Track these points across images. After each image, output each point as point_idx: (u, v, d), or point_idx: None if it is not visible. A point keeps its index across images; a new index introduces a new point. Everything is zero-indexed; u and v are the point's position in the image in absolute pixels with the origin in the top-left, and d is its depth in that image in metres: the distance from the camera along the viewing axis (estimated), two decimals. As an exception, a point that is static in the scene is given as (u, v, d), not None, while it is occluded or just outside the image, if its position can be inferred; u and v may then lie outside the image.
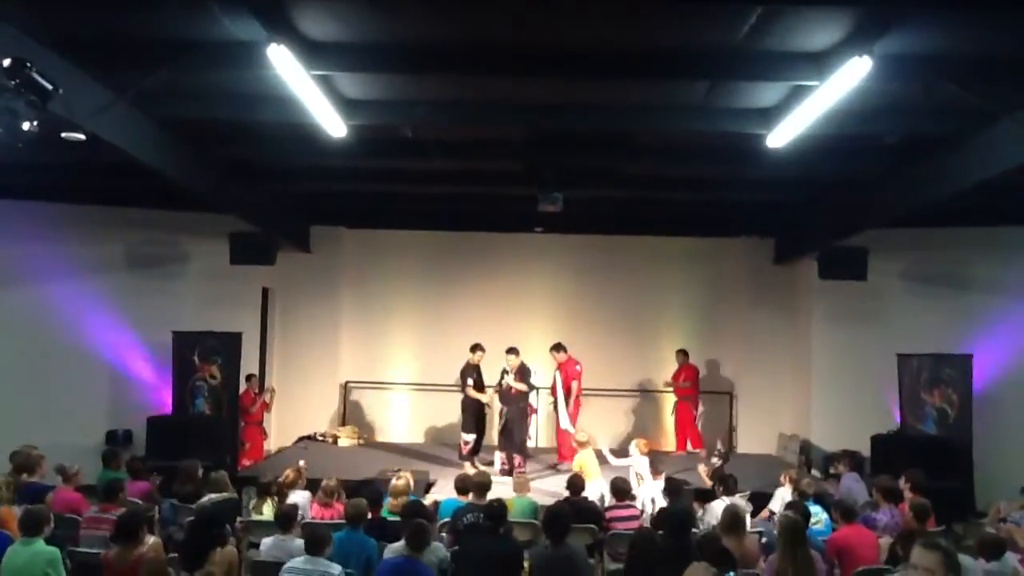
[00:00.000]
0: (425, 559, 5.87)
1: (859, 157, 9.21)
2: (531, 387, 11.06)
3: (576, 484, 7.64)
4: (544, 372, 11.89)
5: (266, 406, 12.40)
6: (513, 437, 10.81)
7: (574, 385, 11.49)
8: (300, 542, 5.93)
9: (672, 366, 13.07)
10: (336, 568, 5.56)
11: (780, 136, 7.92)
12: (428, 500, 8.29)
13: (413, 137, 9.09)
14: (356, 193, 12.26)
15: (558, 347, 11.68)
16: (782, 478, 8.28)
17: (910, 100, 7.40)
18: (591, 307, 13.69)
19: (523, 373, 10.90)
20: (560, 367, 11.62)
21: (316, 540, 5.65)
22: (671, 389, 13.03)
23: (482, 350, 11.19)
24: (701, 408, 13.09)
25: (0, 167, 9.64)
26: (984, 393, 10.86)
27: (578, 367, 11.55)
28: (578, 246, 13.82)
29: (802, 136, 7.85)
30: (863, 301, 12.21)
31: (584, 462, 9.19)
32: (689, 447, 12.61)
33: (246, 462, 11.41)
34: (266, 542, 6.32)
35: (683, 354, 12.91)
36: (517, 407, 10.87)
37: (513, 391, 10.79)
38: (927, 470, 8.34)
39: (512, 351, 10.93)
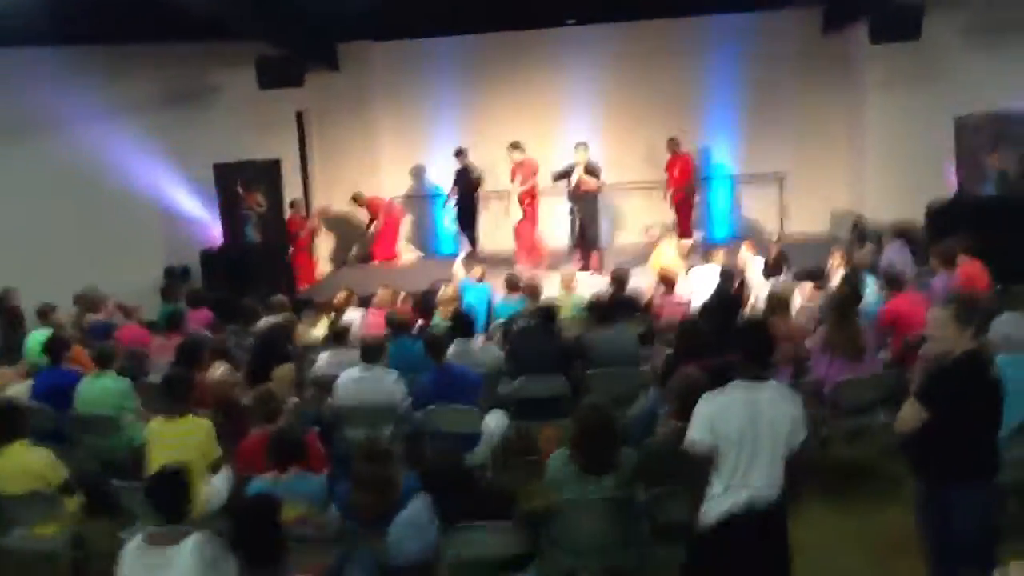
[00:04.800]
0: (479, 358, 6.03)
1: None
2: (602, 183, 10.81)
3: (621, 278, 7.65)
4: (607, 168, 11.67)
5: (314, 231, 12.58)
6: (587, 234, 10.78)
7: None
8: (355, 354, 6.11)
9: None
10: (392, 373, 5.73)
11: None
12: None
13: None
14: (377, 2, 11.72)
15: (516, 145, 11.29)
16: (833, 260, 8.07)
17: None
18: (633, 98, 13.18)
19: (593, 169, 10.68)
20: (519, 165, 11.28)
21: (371, 349, 5.81)
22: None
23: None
24: (697, 197, 12.65)
25: (24, 14, 9.43)
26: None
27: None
28: (613, 35, 13.16)
29: None
30: (920, 64, 11.55)
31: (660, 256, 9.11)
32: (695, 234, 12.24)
33: (301, 286, 11.69)
34: (323, 357, 6.54)
35: (673, 142, 12.29)
36: (590, 203, 10.73)
37: (582, 188, 10.62)
38: (986, 233, 8.11)
39: (581, 145, 10.66)
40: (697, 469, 3.63)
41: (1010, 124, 10.20)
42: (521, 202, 11.21)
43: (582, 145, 10.70)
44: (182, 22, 9.83)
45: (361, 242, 13.63)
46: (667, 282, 7.57)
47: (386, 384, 5.63)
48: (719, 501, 3.56)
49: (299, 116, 13.27)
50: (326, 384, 6.01)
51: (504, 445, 5.62)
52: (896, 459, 5.60)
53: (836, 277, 7.94)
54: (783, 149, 13.16)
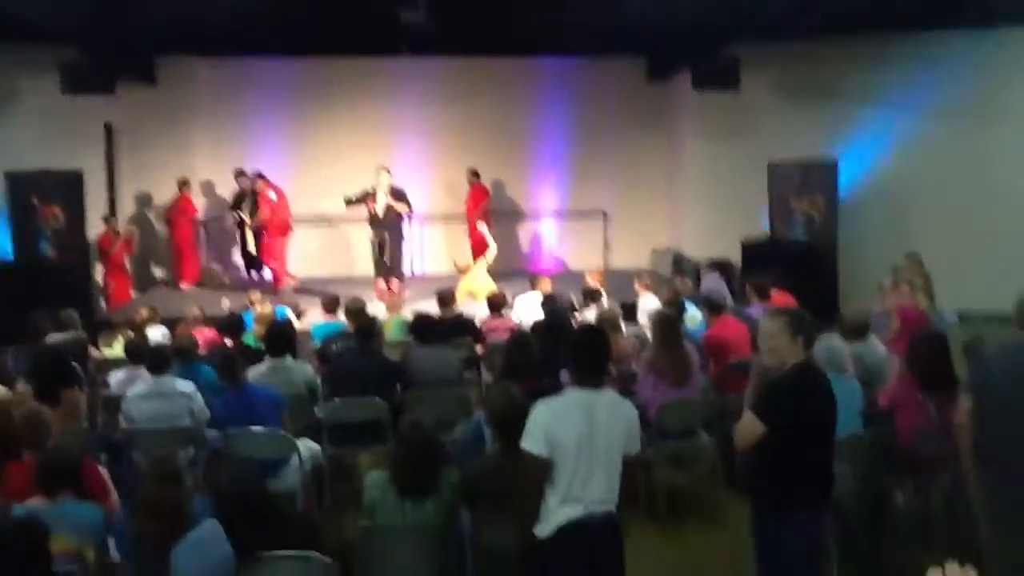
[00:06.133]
0: (291, 376, 5.62)
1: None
2: (409, 207, 10.61)
3: (445, 297, 7.43)
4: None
5: (127, 247, 11.73)
6: (393, 259, 10.56)
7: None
8: (150, 372, 5.53)
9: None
10: (187, 385, 5.21)
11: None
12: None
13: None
14: (202, 14, 11.04)
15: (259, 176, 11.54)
16: (636, 286, 8.32)
17: None
18: (461, 132, 13.14)
19: (399, 194, 10.47)
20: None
21: (158, 360, 5.27)
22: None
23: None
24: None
25: None
26: (849, 199, 11.17)
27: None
28: (445, 70, 13.10)
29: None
30: (736, 113, 12.12)
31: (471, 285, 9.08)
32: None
33: (113, 306, 10.94)
34: (117, 375, 5.92)
35: (472, 174, 12.37)
36: (397, 228, 10.52)
37: (392, 212, 10.38)
38: (795, 274, 8.53)
39: (384, 169, 10.50)
40: (529, 488, 3.40)
41: (817, 172, 10.88)
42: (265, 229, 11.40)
43: (384, 169, 10.51)
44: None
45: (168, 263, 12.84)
46: (494, 305, 7.41)
47: (179, 396, 5.11)
48: (555, 514, 3.34)
49: (107, 127, 12.35)
50: (119, 405, 5.40)
51: (317, 472, 5.25)
52: (718, 483, 5.66)
53: (641, 300, 8.13)
54: (607, 188, 13.50)
